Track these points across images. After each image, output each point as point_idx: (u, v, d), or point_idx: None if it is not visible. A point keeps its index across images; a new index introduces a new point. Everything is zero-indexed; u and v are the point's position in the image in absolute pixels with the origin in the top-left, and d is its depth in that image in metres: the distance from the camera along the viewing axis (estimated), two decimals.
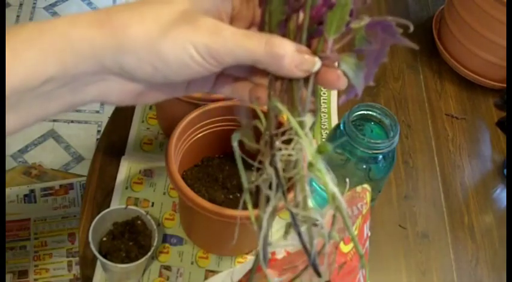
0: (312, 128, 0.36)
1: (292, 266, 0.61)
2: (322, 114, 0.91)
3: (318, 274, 0.36)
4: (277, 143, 0.35)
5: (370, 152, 0.67)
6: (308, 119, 0.36)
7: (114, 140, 0.84)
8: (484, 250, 0.81)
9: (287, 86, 0.37)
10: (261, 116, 0.37)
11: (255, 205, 0.71)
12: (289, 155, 0.35)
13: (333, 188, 0.35)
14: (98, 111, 1.70)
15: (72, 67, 0.34)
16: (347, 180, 0.69)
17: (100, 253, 0.67)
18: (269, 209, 0.35)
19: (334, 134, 0.71)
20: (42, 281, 1.24)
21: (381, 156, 0.70)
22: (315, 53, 0.37)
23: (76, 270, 1.26)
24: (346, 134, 0.67)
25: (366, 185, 0.63)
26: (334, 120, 0.90)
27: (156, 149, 0.83)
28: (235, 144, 0.39)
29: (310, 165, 0.35)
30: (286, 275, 0.60)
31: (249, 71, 0.41)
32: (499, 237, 0.82)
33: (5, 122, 0.35)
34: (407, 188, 0.85)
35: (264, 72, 0.39)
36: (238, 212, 0.61)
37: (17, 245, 1.27)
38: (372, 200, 0.67)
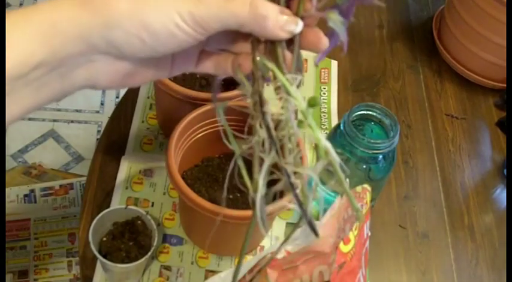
0: (299, 86, 0.37)
1: (292, 266, 0.61)
2: (322, 114, 0.91)
3: (315, 232, 0.36)
4: (268, 103, 0.36)
5: (370, 152, 0.67)
6: (295, 77, 0.37)
7: (114, 140, 0.84)
8: (484, 250, 0.81)
9: (270, 48, 0.38)
10: (244, 80, 0.38)
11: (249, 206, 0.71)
12: (280, 114, 0.36)
13: (325, 142, 0.35)
14: (98, 111, 1.70)
15: (60, 50, 0.35)
16: (347, 180, 0.69)
17: (100, 253, 0.67)
18: (264, 168, 0.36)
19: (334, 134, 0.71)
20: (42, 281, 1.24)
21: (380, 156, 0.70)
22: (296, 14, 0.38)
23: (76, 270, 1.26)
24: (346, 134, 0.67)
25: (366, 185, 0.63)
26: (334, 120, 0.90)
27: (156, 149, 0.83)
28: (221, 115, 0.39)
29: (300, 121, 0.36)
30: (287, 275, 0.60)
31: (230, 43, 0.42)
32: (499, 237, 0.82)
33: (5, 121, 0.35)
34: (407, 188, 0.85)
35: (245, 41, 0.40)
36: (238, 212, 0.61)
37: (17, 245, 1.26)
38: (372, 200, 0.67)
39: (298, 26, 0.37)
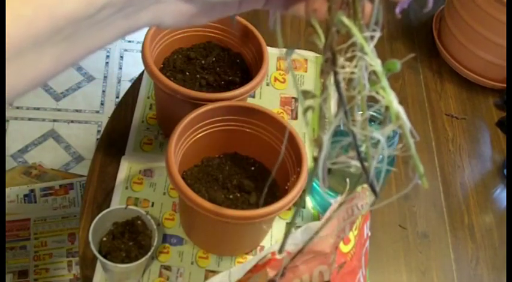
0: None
1: (293, 265, 0.61)
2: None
3: (375, 193, 0.36)
4: (341, 60, 0.34)
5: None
6: (373, 34, 0.35)
7: (114, 140, 0.84)
8: (484, 250, 0.81)
9: None
10: (318, 28, 0.36)
11: (256, 205, 0.71)
12: (352, 72, 0.34)
13: (398, 106, 0.34)
14: (98, 111, 1.70)
15: None
16: (347, 180, 0.69)
17: (100, 253, 0.67)
18: (331, 128, 0.35)
19: (335, 134, 0.71)
20: (42, 281, 1.24)
21: (381, 156, 0.70)
22: None
23: (76, 270, 1.26)
24: (347, 134, 0.67)
25: (366, 185, 0.63)
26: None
27: (156, 149, 0.83)
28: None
29: (374, 83, 0.34)
30: (287, 274, 0.60)
31: None
32: (499, 237, 0.82)
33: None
34: (407, 188, 0.85)
35: None
36: (238, 212, 0.61)
37: (17, 245, 1.26)
38: None
39: None
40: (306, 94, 0.38)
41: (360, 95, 0.35)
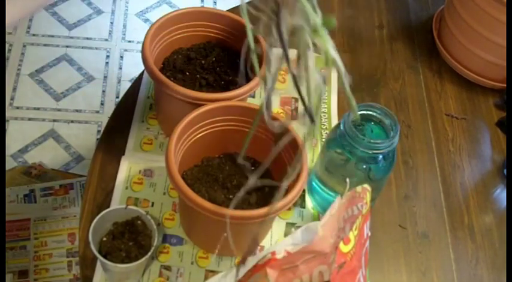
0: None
1: (292, 265, 0.61)
2: (322, 114, 0.91)
3: (312, 119, 0.43)
4: (284, 12, 0.40)
5: (370, 152, 0.67)
6: None
7: (114, 140, 0.84)
8: (484, 250, 0.81)
9: None
10: None
11: (256, 205, 0.71)
12: (294, 24, 0.40)
13: (334, 53, 0.40)
14: (98, 111, 1.70)
15: None
16: (347, 180, 0.69)
17: (100, 253, 0.67)
18: (274, 70, 0.42)
19: (334, 134, 0.71)
20: (42, 281, 1.24)
21: (380, 156, 0.70)
22: None
23: (76, 270, 1.26)
24: (346, 134, 0.67)
25: (366, 185, 0.63)
26: (334, 120, 0.90)
27: (156, 149, 0.83)
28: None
29: (314, 31, 0.39)
30: (287, 274, 0.60)
31: None
32: (499, 237, 0.82)
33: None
34: (407, 188, 0.85)
35: None
36: (238, 212, 0.61)
37: (17, 245, 1.26)
38: (372, 200, 0.67)
39: None
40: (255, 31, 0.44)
41: (301, 45, 0.41)
